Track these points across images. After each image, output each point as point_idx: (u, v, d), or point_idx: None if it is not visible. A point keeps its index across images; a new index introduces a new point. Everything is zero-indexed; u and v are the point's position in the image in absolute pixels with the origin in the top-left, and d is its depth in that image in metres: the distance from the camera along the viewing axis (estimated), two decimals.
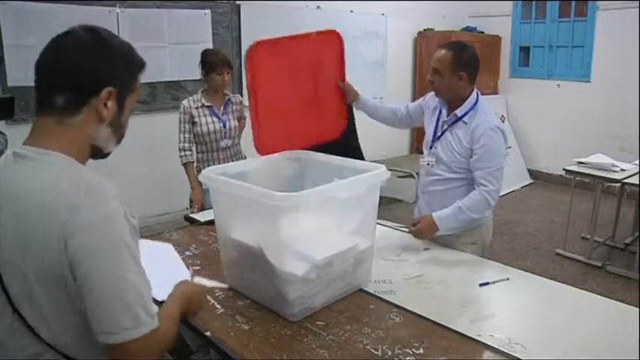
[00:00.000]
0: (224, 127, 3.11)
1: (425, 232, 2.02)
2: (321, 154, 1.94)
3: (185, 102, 3.14)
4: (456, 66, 2.00)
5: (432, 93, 2.20)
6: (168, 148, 4.32)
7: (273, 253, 1.51)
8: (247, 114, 2.91)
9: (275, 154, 1.94)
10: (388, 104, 2.52)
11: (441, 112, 2.17)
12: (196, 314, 1.31)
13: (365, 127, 3.30)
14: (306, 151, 1.98)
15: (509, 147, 6.29)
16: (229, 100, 3.16)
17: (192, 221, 2.51)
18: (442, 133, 2.13)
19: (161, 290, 1.21)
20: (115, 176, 3.46)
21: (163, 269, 1.36)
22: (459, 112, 2.07)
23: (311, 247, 1.53)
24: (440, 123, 2.16)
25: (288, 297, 1.49)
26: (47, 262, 0.88)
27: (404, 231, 2.24)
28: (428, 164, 2.19)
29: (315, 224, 1.63)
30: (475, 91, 2.10)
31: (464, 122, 2.06)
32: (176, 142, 3.27)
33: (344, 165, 1.81)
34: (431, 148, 2.18)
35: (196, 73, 4.46)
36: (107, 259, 0.90)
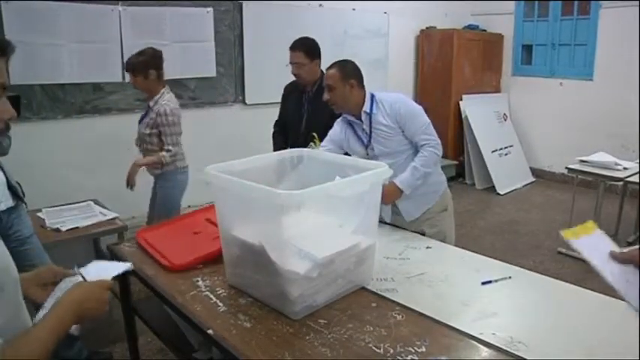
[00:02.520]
0: (137, 133, 3.11)
1: (390, 195, 2.19)
2: (324, 152, 1.95)
3: None
4: (344, 78, 2.29)
5: (331, 132, 2.42)
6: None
7: (275, 251, 1.51)
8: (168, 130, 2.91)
9: (277, 152, 1.95)
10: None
11: (352, 126, 2.37)
12: (97, 314, 1.14)
13: None
14: (308, 150, 1.99)
15: (512, 145, 6.31)
16: (150, 107, 3.07)
17: None
18: (369, 137, 2.31)
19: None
20: (116, 173, 3.45)
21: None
22: (366, 109, 2.30)
23: (313, 246, 1.53)
24: (360, 133, 2.35)
25: (290, 295, 1.49)
26: None
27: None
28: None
29: (317, 222, 1.63)
30: (368, 92, 2.36)
31: (374, 114, 2.29)
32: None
33: (346, 163, 1.82)
34: (368, 154, 2.33)
35: (198, 72, 4.52)
36: None
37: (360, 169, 1.70)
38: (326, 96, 2.32)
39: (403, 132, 2.27)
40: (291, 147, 2.89)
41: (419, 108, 2.32)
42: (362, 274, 1.70)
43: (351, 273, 1.65)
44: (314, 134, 2.78)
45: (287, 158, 1.97)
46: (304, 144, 2.66)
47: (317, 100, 2.90)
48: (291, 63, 2.92)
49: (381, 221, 2.49)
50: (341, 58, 2.45)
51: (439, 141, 2.27)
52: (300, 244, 1.51)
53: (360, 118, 2.33)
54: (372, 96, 2.34)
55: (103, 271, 1.28)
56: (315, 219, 1.64)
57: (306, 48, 2.86)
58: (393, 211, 2.41)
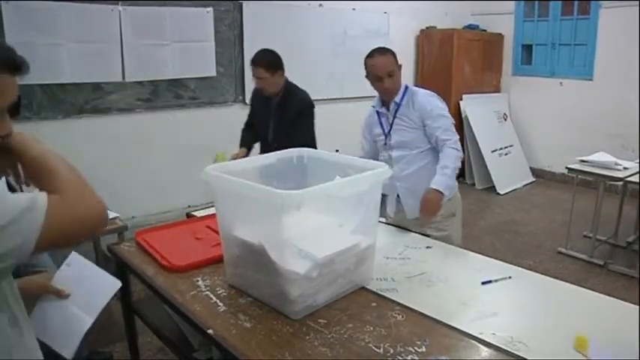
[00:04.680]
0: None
1: (432, 202, 2.16)
2: (324, 151, 1.95)
3: None
4: (397, 63, 2.36)
5: (366, 121, 2.56)
6: (169, 146, 4.35)
7: (275, 251, 1.50)
8: None
9: (276, 152, 1.95)
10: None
11: (378, 114, 2.46)
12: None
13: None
14: (308, 149, 1.99)
15: (512, 145, 6.31)
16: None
17: None
18: (392, 123, 2.39)
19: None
20: (116, 173, 3.45)
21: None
22: (397, 99, 2.36)
23: (313, 245, 1.53)
24: (384, 120, 2.44)
25: (290, 295, 1.48)
26: None
27: (410, 230, 2.28)
28: (390, 157, 2.42)
29: (317, 222, 1.63)
30: (403, 83, 2.42)
31: (403, 104, 2.35)
32: (178, 140, 3.30)
33: (346, 163, 1.81)
34: (386, 143, 2.44)
35: (198, 71, 4.51)
36: None
37: (360, 168, 1.70)
38: (387, 85, 2.33)
39: (424, 128, 2.32)
40: (262, 153, 3.02)
41: (445, 108, 2.37)
42: (362, 274, 1.70)
43: (351, 273, 1.65)
44: (218, 153, 3.00)
45: (287, 158, 1.97)
46: (274, 150, 2.75)
47: (282, 109, 3.02)
48: (253, 77, 3.00)
49: (385, 217, 2.50)
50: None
51: (458, 138, 2.31)
52: (300, 243, 1.51)
53: (388, 107, 2.40)
54: (406, 87, 2.39)
55: (90, 297, 1.31)
56: (315, 219, 1.64)
57: (266, 62, 2.94)
58: (398, 209, 2.44)
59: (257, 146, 3.30)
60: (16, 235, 0.81)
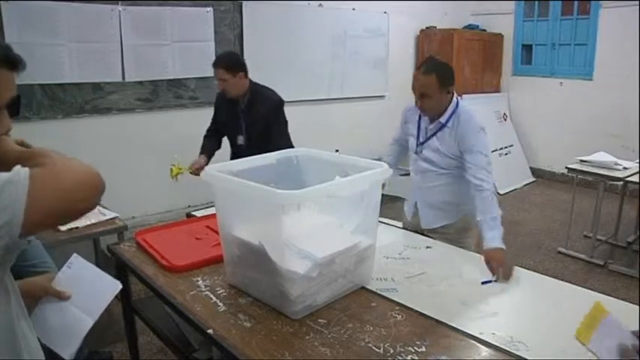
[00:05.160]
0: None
1: (497, 257, 1.88)
2: (324, 152, 1.95)
3: None
4: (442, 85, 2.13)
5: (410, 108, 2.36)
6: (170, 146, 4.34)
7: (275, 251, 1.50)
8: None
9: (276, 152, 1.95)
10: (392, 150, 2.60)
11: (421, 117, 2.30)
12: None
13: (365, 128, 3.31)
14: (309, 149, 1.99)
15: (512, 145, 6.31)
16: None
17: None
18: (428, 138, 2.26)
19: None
20: (116, 173, 3.44)
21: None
22: (442, 119, 2.20)
23: (313, 245, 1.53)
24: (422, 129, 2.30)
25: (290, 295, 1.49)
26: None
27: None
28: (417, 165, 2.34)
29: (316, 222, 1.63)
30: (455, 96, 2.23)
31: (448, 127, 2.19)
32: (178, 140, 3.30)
33: (346, 163, 1.81)
34: (417, 152, 2.33)
35: (198, 71, 4.51)
36: None
37: (359, 168, 1.70)
38: (420, 104, 2.20)
39: (460, 157, 2.19)
40: (233, 158, 3.01)
41: (487, 145, 2.20)
42: (362, 274, 1.70)
43: (351, 273, 1.65)
44: (172, 167, 2.95)
45: (287, 158, 1.97)
46: (247, 154, 2.79)
47: (252, 112, 2.97)
48: (216, 79, 2.98)
49: (403, 221, 2.48)
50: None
51: (492, 179, 2.14)
52: (300, 243, 1.51)
53: (432, 119, 2.24)
54: (456, 105, 2.21)
55: (91, 298, 1.31)
56: (315, 219, 1.64)
57: (226, 64, 2.90)
58: (414, 214, 2.40)
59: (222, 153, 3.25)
60: (1, 210, 0.78)
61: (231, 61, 2.93)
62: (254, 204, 1.55)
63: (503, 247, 1.92)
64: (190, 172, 3.03)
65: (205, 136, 3.29)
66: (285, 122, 3.06)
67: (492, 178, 2.14)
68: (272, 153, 1.95)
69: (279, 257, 1.49)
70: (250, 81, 3.02)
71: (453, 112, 2.20)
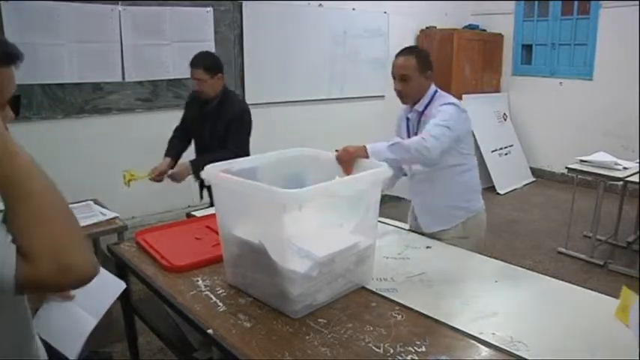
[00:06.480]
0: None
1: (346, 153, 1.87)
2: (324, 152, 1.95)
3: None
4: (422, 68, 2.14)
5: (400, 112, 2.34)
6: None
7: (275, 250, 1.50)
8: None
9: (276, 152, 1.95)
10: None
11: (408, 118, 2.29)
12: None
13: (365, 128, 3.31)
14: (309, 149, 1.99)
15: (512, 145, 6.31)
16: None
17: None
18: (416, 134, 2.19)
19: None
20: (116, 173, 3.43)
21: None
22: (419, 107, 2.19)
23: (313, 245, 1.53)
24: (410, 127, 2.27)
25: (290, 294, 1.49)
26: None
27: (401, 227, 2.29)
28: (410, 168, 2.31)
29: (317, 221, 1.63)
30: (432, 85, 2.22)
31: (425, 114, 2.17)
32: None
33: None
34: None
35: None
36: None
37: (359, 168, 1.70)
38: (397, 87, 2.18)
39: None
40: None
41: (453, 116, 2.09)
42: (362, 274, 1.70)
43: (351, 272, 1.65)
44: (125, 173, 2.83)
45: (287, 158, 1.97)
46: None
47: (217, 115, 2.90)
48: (192, 79, 2.90)
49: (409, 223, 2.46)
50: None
51: (438, 144, 1.96)
52: (300, 242, 1.51)
53: (412, 109, 2.23)
54: (433, 94, 2.20)
55: (95, 299, 1.31)
56: (315, 218, 1.64)
57: (206, 64, 2.84)
58: (414, 217, 2.38)
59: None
60: None
61: (211, 62, 2.88)
62: (254, 203, 1.55)
63: (368, 149, 1.90)
64: (150, 179, 2.91)
65: (173, 137, 3.18)
66: (246, 134, 2.97)
67: (440, 138, 1.97)
68: (273, 152, 1.95)
69: (280, 256, 1.49)
70: (224, 85, 2.97)
71: (431, 100, 2.18)
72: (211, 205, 2.97)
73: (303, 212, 1.49)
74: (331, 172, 1.74)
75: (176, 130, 3.19)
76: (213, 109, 2.93)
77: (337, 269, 1.59)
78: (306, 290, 1.51)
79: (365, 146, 1.91)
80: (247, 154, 2.81)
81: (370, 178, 1.65)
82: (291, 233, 1.48)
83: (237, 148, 2.81)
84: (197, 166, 2.79)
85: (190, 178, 2.89)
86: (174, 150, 3.11)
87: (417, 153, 1.95)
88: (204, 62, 2.85)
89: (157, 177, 2.91)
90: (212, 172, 1.65)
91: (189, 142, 3.17)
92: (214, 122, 2.92)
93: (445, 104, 2.12)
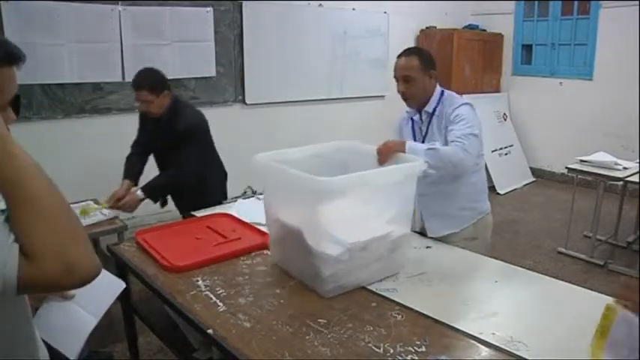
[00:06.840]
0: None
1: (387, 148, 1.94)
2: (367, 145, 2.03)
3: None
4: (425, 68, 2.11)
5: (403, 117, 2.32)
6: None
7: (310, 234, 1.62)
8: None
9: (324, 144, 2.07)
10: None
11: (412, 120, 2.25)
12: None
13: (365, 128, 3.30)
14: (351, 141, 2.10)
15: (512, 145, 6.31)
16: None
17: None
18: (423, 138, 2.18)
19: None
20: (116, 173, 3.42)
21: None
22: (429, 108, 2.15)
23: (346, 231, 1.63)
24: (417, 130, 2.24)
25: (322, 274, 1.60)
26: None
27: None
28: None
29: (355, 211, 1.70)
30: (438, 85, 2.19)
31: (436, 116, 2.14)
32: None
33: None
34: None
35: (198, 71, 4.51)
36: None
37: (398, 162, 1.86)
38: (400, 89, 2.13)
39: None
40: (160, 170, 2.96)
41: (475, 119, 2.05)
42: (395, 261, 1.79)
43: (384, 259, 1.73)
44: (99, 202, 2.85)
45: (333, 149, 2.08)
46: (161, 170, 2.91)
47: (168, 131, 2.77)
48: (136, 100, 2.76)
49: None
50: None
51: (473, 155, 1.97)
52: (335, 229, 1.61)
53: (420, 114, 2.18)
54: (442, 93, 2.16)
55: (95, 298, 1.31)
56: (353, 207, 1.70)
57: (151, 84, 2.68)
58: (419, 220, 2.32)
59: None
60: None
61: (155, 81, 2.71)
62: (296, 190, 1.68)
63: (407, 146, 1.96)
64: (110, 207, 2.78)
65: (131, 154, 3.02)
66: (200, 148, 2.82)
67: (473, 150, 1.96)
68: (321, 144, 2.06)
69: (314, 240, 1.60)
70: (175, 97, 2.83)
71: (439, 100, 2.13)
72: (181, 212, 3.01)
73: (342, 201, 1.59)
74: (372, 163, 1.92)
75: (134, 146, 3.06)
76: (164, 124, 2.79)
77: (370, 255, 1.69)
78: (337, 272, 1.62)
79: (405, 142, 2.01)
80: (205, 166, 2.81)
81: (406, 171, 1.75)
82: (326, 219, 1.58)
83: (188, 165, 2.73)
84: (150, 193, 2.81)
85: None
86: (133, 170, 2.96)
87: (451, 165, 1.95)
88: (149, 82, 2.69)
89: (116, 203, 2.77)
90: (260, 160, 1.79)
91: (148, 156, 3.06)
92: (168, 137, 2.78)
93: (460, 106, 2.07)
